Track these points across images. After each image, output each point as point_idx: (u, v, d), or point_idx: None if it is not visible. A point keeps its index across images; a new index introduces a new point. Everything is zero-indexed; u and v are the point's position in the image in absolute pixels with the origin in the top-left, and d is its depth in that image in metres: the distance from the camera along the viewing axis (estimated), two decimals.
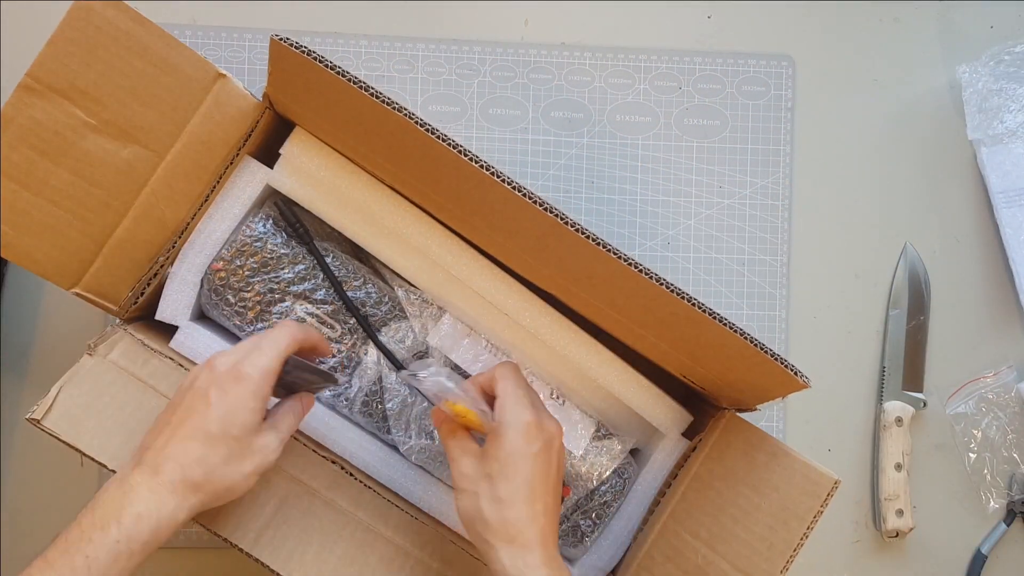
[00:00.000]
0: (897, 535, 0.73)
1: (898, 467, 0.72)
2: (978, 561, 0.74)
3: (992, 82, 0.74)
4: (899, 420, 0.72)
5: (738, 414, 0.58)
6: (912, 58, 0.76)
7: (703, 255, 0.74)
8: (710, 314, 0.48)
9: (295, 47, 0.46)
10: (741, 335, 0.48)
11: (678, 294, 0.48)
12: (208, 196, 0.56)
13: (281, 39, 0.46)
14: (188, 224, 0.56)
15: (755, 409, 0.57)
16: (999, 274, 0.75)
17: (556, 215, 0.47)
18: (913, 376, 0.74)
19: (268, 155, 0.58)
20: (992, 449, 0.75)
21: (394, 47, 0.72)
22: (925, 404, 0.74)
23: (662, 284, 0.48)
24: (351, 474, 0.56)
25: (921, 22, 0.76)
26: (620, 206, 0.73)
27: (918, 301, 0.74)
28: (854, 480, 0.74)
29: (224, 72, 0.54)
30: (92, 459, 0.51)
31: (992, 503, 0.74)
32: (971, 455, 0.74)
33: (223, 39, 0.70)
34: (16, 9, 0.68)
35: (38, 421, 0.51)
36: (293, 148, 0.57)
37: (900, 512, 0.72)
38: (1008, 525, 0.74)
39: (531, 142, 0.73)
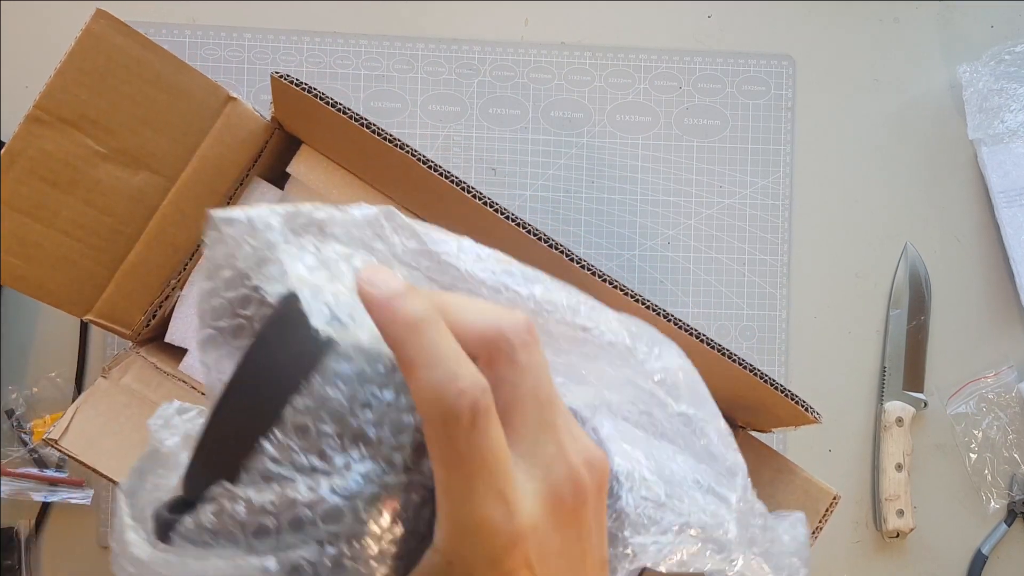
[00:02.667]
0: (897, 535, 0.72)
1: (899, 467, 0.72)
2: (978, 561, 0.74)
3: (992, 82, 0.73)
4: (900, 420, 0.72)
5: (752, 433, 0.58)
6: (912, 58, 0.76)
7: (703, 255, 0.74)
8: (719, 351, 0.48)
9: (296, 84, 0.46)
10: (752, 372, 0.49)
11: (687, 331, 0.48)
12: None
13: (281, 76, 0.46)
14: (198, 247, 0.56)
15: (770, 431, 0.57)
16: (1000, 274, 0.75)
17: (562, 251, 0.48)
18: (914, 376, 0.74)
19: (279, 173, 0.58)
20: (993, 449, 0.74)
21: (394, 47, 0.72)
22: (926, 404, 0.73)
23: (670, 320, 0.48)
24: None
25: (921, 22, 0.76)
26: (620, 206, 0.73)
27: (919, 301, 0.74)
28: (854, 480, 0.74)
29: (235, 95, 0.54)
30: (109, 479, 0.51)
31: (993, 503, 0.74)
32: (972, 455, 0.74)
33: (223, 39, 0.70)
34: (16, 9, 0.68)
35: (56, 441, 0.51)
36: (300, 167, 0.57)
37: (901, 512, 0.72)
38: (1009, 525, 0.74)
39: (531, 142, 0.73)
